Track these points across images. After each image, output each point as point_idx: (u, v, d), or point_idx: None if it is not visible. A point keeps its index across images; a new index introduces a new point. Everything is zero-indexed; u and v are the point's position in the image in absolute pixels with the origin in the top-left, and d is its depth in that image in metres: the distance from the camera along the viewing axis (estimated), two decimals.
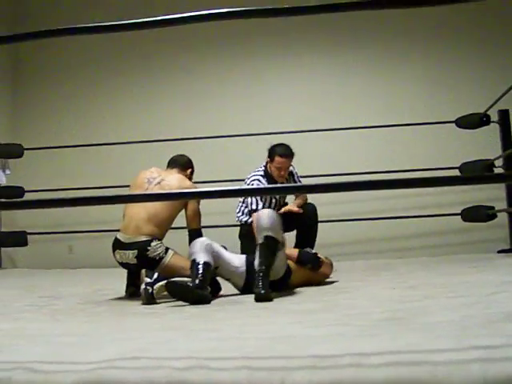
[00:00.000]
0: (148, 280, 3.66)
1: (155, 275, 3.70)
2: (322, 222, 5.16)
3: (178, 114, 7.62)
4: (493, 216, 6.42)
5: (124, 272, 4.21)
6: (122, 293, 4.13)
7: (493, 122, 6.43)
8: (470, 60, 7.18)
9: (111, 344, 2.06)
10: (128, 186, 4.42)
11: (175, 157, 4.59)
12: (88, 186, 6.80)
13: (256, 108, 7.46)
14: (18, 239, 6.33)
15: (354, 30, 7.32)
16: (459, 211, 6.52)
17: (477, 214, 6.44)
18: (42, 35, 2.46)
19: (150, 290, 3.61)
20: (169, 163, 4.54)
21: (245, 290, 3.90)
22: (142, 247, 3.98)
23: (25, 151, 6.99)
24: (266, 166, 5.04)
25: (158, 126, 7.54)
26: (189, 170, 4.55)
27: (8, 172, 7.05)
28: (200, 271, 3.62)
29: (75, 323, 2.86)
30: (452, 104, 6.94)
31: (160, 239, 4.08)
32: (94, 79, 7.81)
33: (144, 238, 4.00)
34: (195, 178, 4.65)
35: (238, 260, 4.03)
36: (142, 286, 3.64)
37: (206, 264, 3.68)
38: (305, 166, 6.70)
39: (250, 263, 3.93)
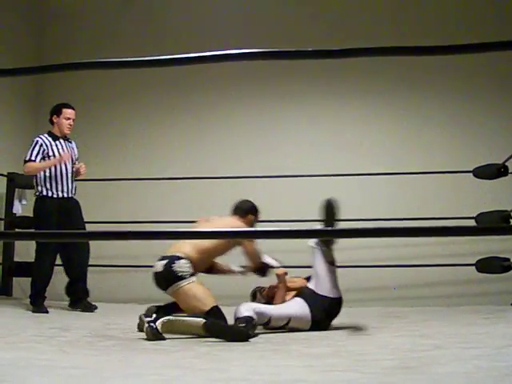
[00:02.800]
0: (149, 319, 3.67)
1: (154, 315, 3.73)
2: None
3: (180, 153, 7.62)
4: (508, 268, 6.35)
5: (135, 307, 4.20)
6: (132, 328, 4.11)
7: (511, 173, 6.41)
8: (488, 109, 7.16)
9: (116, 379, 2.05)
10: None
11: (238, 202, 4.63)
12: (103, 220, 6.80)
13: (270, 150, 7.46)
14: (31, 269, 6.32)
15: (368, 76, 7.33)
16: (474, 262, 6.45)
17: (491, 266, 6.37)
18: (72, 67, 2.50)
19: (154, 327, 3.60)
20: (231, 209, 4.61)
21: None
22: (171, 259, 4.02)
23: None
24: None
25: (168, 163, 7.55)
26: (250, 216, 4.55)
27: (24, 202, 7.07)
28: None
29: (82, 356, 2.84)
30: (471, 153, 6.91)
31: (191, 262, 4.07)
32: (115, 113, 7.85)
33: (178, 254, 4.04)
34: None
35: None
36: (145, 325, 3.63)
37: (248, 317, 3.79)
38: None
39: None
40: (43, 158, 5.59)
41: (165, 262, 4.03)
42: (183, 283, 3.98)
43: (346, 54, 2.23)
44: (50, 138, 5.66)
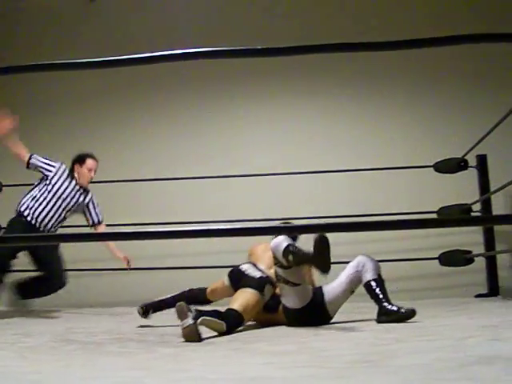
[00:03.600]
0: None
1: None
2: None
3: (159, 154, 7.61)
4: (470, 260, 6.44)
5: (97, 313, 4.17)
6: (95, 332, 4.09)
7: (471, 166, 6.49)
8: (448, 104, 7.24)
9: (77, 383, 2.03)
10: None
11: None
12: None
13: (240, 148, 7.48)
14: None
15: (335, 74, 7.38)
16: (437, 255, 6.53)
17: (454, 259, 6.46)
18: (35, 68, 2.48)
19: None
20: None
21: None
22: None
23: (3, 187, 6.98)
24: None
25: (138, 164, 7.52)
26: None
27: None
28: None
29: (43, 361, 2.82)
30: (431, 148, 6.99)
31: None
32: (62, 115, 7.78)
33: None
34: None
35: None
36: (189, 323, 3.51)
37: None
38: (287, 208, 6.76)
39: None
40: (38, 168, 5.51)
41: None
42: None
43: (296, 51, 2.25)
44: (66, 173, 5.61)
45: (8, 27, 7.94)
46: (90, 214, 5.82)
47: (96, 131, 7.66)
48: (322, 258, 3.82)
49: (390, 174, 6.89)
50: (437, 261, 6.54)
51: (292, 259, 3.92)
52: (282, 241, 4.02)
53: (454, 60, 7.06)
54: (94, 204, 5.85)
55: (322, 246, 3.84)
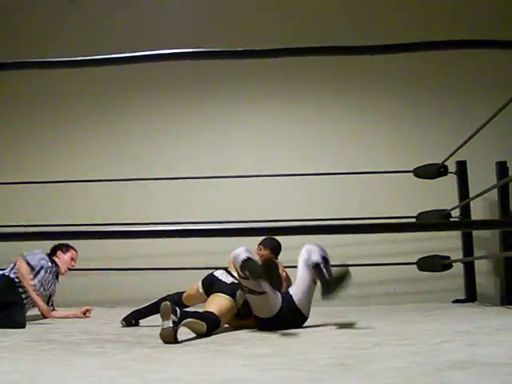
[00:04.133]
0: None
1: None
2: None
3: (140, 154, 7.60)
4: (448, 266, 6.47)
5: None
6: (73, 332, 4.08)
7: (450, 172, 6.54)
8: (428, 110, 7.29)
9: (52, 382, 2.03)
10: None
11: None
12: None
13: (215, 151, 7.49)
14: None
15: (319, 79, 7.40)
16: (415, 260, 6.57)
17: (432, 264, 6.50)
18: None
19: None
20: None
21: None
22: None
23: None
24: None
25: (124, 164, 7.50)
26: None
27: None
28: None
29: (20, 360, 2.81)
30: (411, 153, 7.03)
31: None
32: (53, 116, 7.76)
33: None
34: None
35: None
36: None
37: None
38: (266, 211, 6.78)
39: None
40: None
41: None
42: None
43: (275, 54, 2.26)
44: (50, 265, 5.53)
45: None
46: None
47: (83, 131, 7.66)
48: (272, 275, 3.89)
49: (370, 178, 6.92)
50: (415, 266, 6.58)
51: (248, 274, 3.96)
52: (241, 253, 4.04)
53: (436, 67, 7.12)
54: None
55: (271, 265, 3.96)
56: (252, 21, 7.55)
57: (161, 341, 3.46)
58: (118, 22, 7.74)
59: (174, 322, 3.48)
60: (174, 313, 3.53)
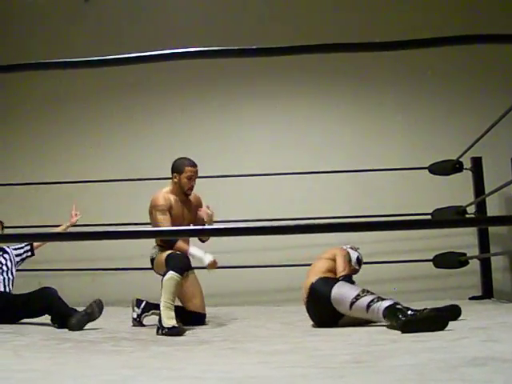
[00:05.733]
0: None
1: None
2: (298, 265, 5.17)
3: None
4: (465, 262, 6.43)
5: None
6: (89, 331, 4.09)
7: (465, 169, 6.50)
8: (443, 106, 7.24)
9: (69, 381, 2.03)
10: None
11: None
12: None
13: (232, 150, 7.46)
14: None
15: (331, 76, 7.37)
16: (431, 257, 6.53)
17: (449, 261, 6.46)
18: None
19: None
20: None
21: None
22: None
23: None
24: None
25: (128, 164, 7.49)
26: None
27: None
28: None
29: (37, 359, 2.82)
30: (426, 150, 6.99)
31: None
32: (60, 118, 7.77)
33: None
34: None
35: None
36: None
37: None
38: (279, 209, 6.76)
39: None
40: None
41: None
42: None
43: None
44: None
45: (0, 26, 7.91)
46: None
47: (90, 131, 7.67)
48: None
49: (385, 176, 6.88)
50: (431, 263, 6.54)
51: None
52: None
53: (449, 62, 7.07)
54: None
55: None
56: (262, 21, 7.53)
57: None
58: (132, 22, 7.72)
59: (137, 314, 4.53)
60: (137, 306, 4.56)
